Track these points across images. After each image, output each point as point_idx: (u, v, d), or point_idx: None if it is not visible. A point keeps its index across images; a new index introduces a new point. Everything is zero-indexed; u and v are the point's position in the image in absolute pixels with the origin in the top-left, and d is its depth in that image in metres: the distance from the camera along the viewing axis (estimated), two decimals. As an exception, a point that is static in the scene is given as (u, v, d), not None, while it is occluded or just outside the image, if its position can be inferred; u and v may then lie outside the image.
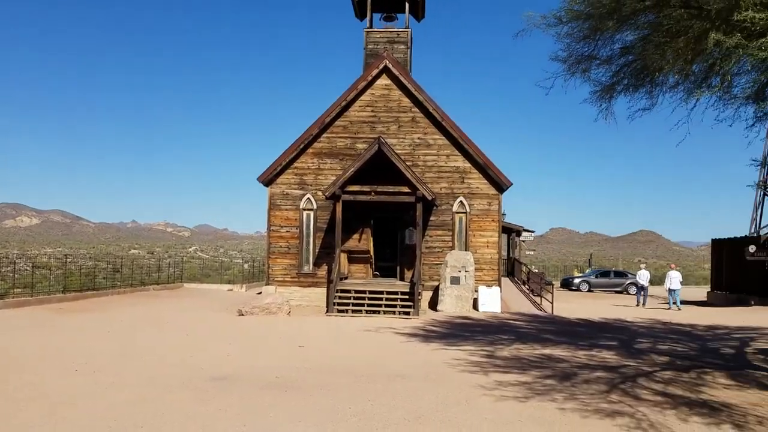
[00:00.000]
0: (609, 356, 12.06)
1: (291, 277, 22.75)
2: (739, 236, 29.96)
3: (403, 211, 21.90)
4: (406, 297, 19.80)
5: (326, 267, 22.32)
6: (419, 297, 19.92)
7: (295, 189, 22.97)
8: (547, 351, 12.51)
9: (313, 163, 22.98)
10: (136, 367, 10.32)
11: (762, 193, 39.26)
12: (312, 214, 22.80)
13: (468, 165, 22.49)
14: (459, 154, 22.53)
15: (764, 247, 26.73)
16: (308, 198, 22.82)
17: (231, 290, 31.06)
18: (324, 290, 22.03)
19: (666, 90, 11.25)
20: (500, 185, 22.40)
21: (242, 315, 18.62)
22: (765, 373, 10.52)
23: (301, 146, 22.83)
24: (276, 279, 22.82)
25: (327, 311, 19.87)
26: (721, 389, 9.19)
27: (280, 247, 22.91)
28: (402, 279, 22.25)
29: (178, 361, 10.94)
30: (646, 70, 10.79)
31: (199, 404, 7.84)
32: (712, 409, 7.91)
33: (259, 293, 23.81)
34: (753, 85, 9.77)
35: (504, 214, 25.49)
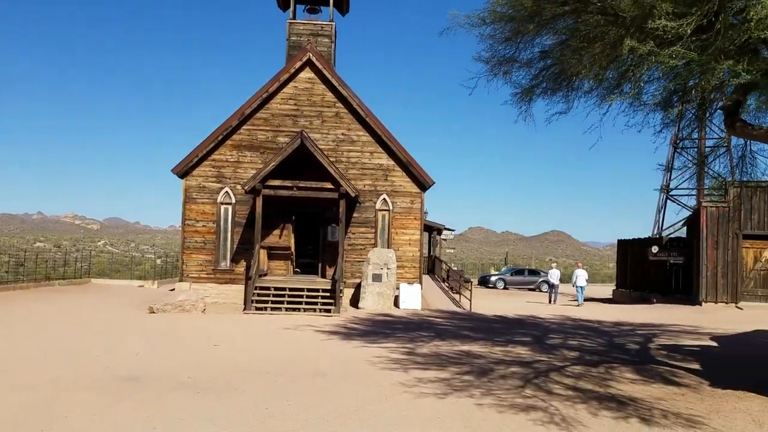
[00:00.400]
0: (524, 352, 12.38)
1: (207, 274, 22.05)
2: (643, 237, 31.69)
3: (326, 207, 21.69)
4: (328, 294, 19.61)
5: (245, 263, 21.77)
6: (341, 294, 19.78)
7: (212, 182, 22.26)
8: (465, 347, 12.70)
9: (232, 155, 22.34)
10: (39, 367, 9.63)
11: (665, 196, 41.75)
12: (230, 208, 22.18)
13: (392, 163, 22.54)
14: (383, 151, 22.54)
15: (666, 248, 28.37)
16: (226, 192, 22.17)
17: (142, 286, 29.75)
18: (242, 287, 21.49)
19: (581, 94, 11.54)
20: (423, 184, 22.58)
21: (153, 312, 17.84)
22: (668, 368, 11.08)
23: (220, 138, 22.14)
24: (191, 275, 22.06)
25: (245, 309, 19.38)
26: (627, 384, 9.60)
27: (196, 242, 22.16)
28: (323, 276, 22.03)
29: (84, 360, 10.31)
30: (564, 74, 11.04)
31: (106, 406, 7.38)
32: (620, 404, 8.22)
33: (172, 290, 22.92)
34: (662, 92, 10.21)
35: (426, 213, 25.76)
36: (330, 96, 22.53)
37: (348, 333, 14.68)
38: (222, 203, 22.16)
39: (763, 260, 24.06)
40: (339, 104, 22.53)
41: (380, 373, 9.85)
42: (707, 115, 12.26)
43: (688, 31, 8.02)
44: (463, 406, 7.83)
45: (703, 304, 23.89)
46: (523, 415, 7.46)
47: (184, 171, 22.15)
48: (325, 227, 22.37)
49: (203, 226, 22.15)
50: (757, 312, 21.92)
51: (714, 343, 14.46)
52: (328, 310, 18.98)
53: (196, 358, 10.83)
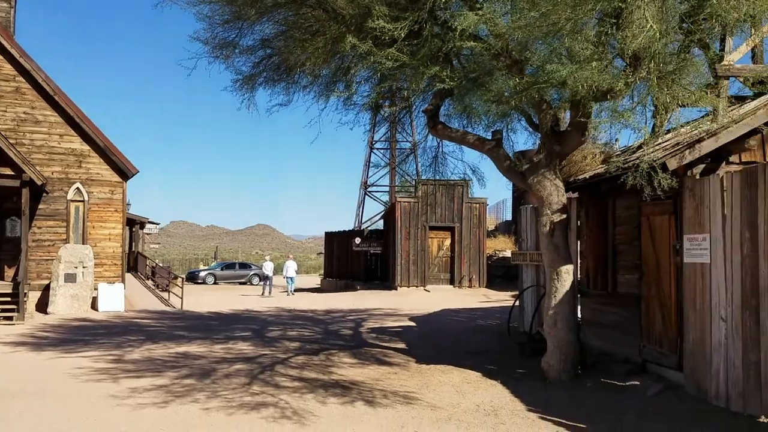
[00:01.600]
0: (245, 347, 12.08)
1: None
2: (348, 230, 34.01)
3: (5, 197, 18.35)
4: (9, 299, 16.56)
5: None
6: (25, 299, 16.86)
7: None
8: (182, 349, 11.86)
9: None
10: None
11: (364, 192, 45.38)
12: None
13: (87, 147, 19.99)
14: (75, 134, 19.83)
15: (367, 239, 30.95)
16: None
17: None
18: None
19: (300, 88, 11.63)
20: (125, 172, 20.52)
21: None
22: (379, 349, 11.89)
23: None
24: None
25: None
26: (347, 368, 10.01)
27: None
28: (2, 278, 18.61)
29: None
30: (285, 65, 10.99)
31: None
32: (344, 389, 8.49)
33: None
34: (373, 93, 10.83)
35: (129, 205, 23.65)
36: (9, 68, 19.03)
37: (38, 343, 12.59)
38: None
39: (444, 248, 27.64)
40: (20, 78, 19.16)
41: (85, 386, 8.58)
42: (409, 117, 13.48)
43: (402, 35, 8.54)
44: (188, 412, 7.23)
45: (399, 288, 26.49)
46: (254, 413, 7.19)
47: None
48: (3, 221, 18.95)
49: None
50: (441, 293, 25.11)
51: (413, 323, 16.05)
52: (10, 318, 16.08)
53: None
